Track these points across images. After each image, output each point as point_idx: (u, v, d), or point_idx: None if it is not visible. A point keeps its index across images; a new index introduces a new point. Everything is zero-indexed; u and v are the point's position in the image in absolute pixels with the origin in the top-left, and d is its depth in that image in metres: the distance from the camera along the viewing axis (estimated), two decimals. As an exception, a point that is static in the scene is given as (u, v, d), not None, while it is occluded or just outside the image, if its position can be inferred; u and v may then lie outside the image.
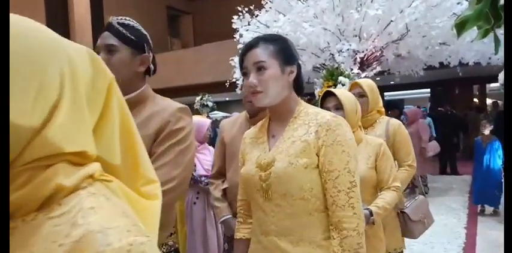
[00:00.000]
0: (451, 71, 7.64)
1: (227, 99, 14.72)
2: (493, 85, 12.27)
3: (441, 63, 6.79)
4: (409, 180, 2.19)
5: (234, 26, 6.91)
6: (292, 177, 1.18)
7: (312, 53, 6.22)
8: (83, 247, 0.41)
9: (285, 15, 6.33)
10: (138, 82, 1.41)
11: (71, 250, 0.41)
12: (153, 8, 14.94)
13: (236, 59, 6.35)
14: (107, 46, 1.34)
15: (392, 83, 10.95)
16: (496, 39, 1.29)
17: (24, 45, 0.44)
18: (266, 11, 6.83)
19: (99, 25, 11.48)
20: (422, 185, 6.43)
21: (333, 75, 5.65)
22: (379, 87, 2.23)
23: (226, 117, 9.75)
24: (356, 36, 5.93)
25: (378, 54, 6.20)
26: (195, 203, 2.82)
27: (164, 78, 10.21)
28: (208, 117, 9.33)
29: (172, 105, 1.39)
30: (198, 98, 10.65)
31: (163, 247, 1.40)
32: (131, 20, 1.41)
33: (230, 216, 2.03)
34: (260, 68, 1.20)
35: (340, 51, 5.83)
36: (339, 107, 1.78)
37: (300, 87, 1.31)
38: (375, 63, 6.20)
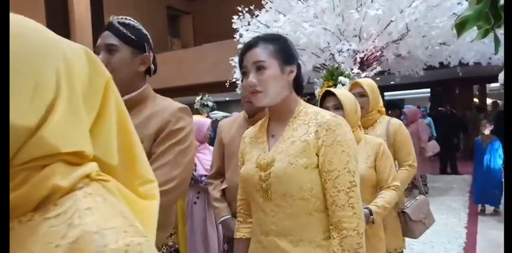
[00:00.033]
0: (451, 71, 7.64)
1: (227, 99, 14.72)
2: (493, 85, 12.26)
3: (441, 63, 6.79)
4: (409, 180, 2.18)
5: (234, 26, 6.91)
6: (292, 177, 1.18)
7: (312, 53, 6.22)
8: (79, 248, 0.41)
9: (285, 15, 6.33)
10: (138, 82, 1.41)
11: (68, 251, 0.41)
12: (153, 7, 14.94)
13: (236, 58, 6.34)
14: (107, 45, 1.34)
15: (392, 83, 10.95)
16: (496, 39, 1.29)
17: (24, 45, 0.44)
18: (266, 11, 6.83)
19: (99, 24, 11.49)
20: (422, 185, 6.43)
21: (333, 75, 5.65)
22: (379, 87, 2.23)
23: (226, 116, 9.75)
24: (356, 36, 5.93)
25: (378, 54, 6.19)
26: (195, 203, 2.82)
27: (164, 78, 10.20)
28: (208, 117, 9.33)
29: (172, 105, 1.39)
30: (198, 98, 10.65)
31: (164, 247, 1.40)
32: (132, 19, 1.41)
33: (229, 216, 2.02)
34: (260, 67, 1.20)
35: (340, 51, 5.83)
36: (338, 107, 1.78)
37: (299, 87, 1.30)
38: (375, 63, 6.20)
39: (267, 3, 6.82)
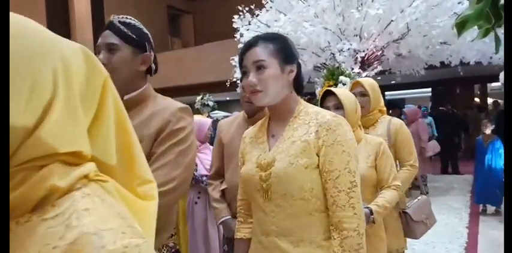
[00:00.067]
0: (452, 71, 7.64)
1: (228, 98, 14.72)
2: (494, 84, 12.26)
3: (442, 63, 6.79)
4: (411, 180, 2.18)
5: (234, 26, 6.91)
6: (292, 177, 1.17)
7: (313, 53, 6.22)
8: (77, 249, 0.40)
9: (285, 15, 6.33)
10: (139, 81, 1.40)
11: None
12: (153, 7, 14.95)
13: (237, 58, 6.34)
14: (108, 45, 1.34)
15: (393, 82, 10.93)
16: (497, 39, 1.28)
17: (24, 45, 0.44)
18: (267, 10, 6.83)
19: (99, 24, 11.50)
20: (423, 185, 6.42)
21: (334, 74, 5.65)
22: (380, 86, 2.22)
23: (227, 116, 9.75)
24: (357, 35, 5.93)
25: (379, 54, 6.19)
26: (196, 203, 2.82)
27: (165, 77, 10.21)
28: (209, 116, 9.34)
29: (173, 104, 1.39)
30: (198, 98, 10.65)
31: (164, 248, 1.39)
32: (132, 18, 1.40)
33: (229, 217, 2.01)
34: (260, 67, 1.19)
35: (341, 50, 5.83)
36: (338, 106, 1.78)
37: (300, 87, 1.30)
38: (375, 62, 6.20)
39: (267, 2, 6.82)
